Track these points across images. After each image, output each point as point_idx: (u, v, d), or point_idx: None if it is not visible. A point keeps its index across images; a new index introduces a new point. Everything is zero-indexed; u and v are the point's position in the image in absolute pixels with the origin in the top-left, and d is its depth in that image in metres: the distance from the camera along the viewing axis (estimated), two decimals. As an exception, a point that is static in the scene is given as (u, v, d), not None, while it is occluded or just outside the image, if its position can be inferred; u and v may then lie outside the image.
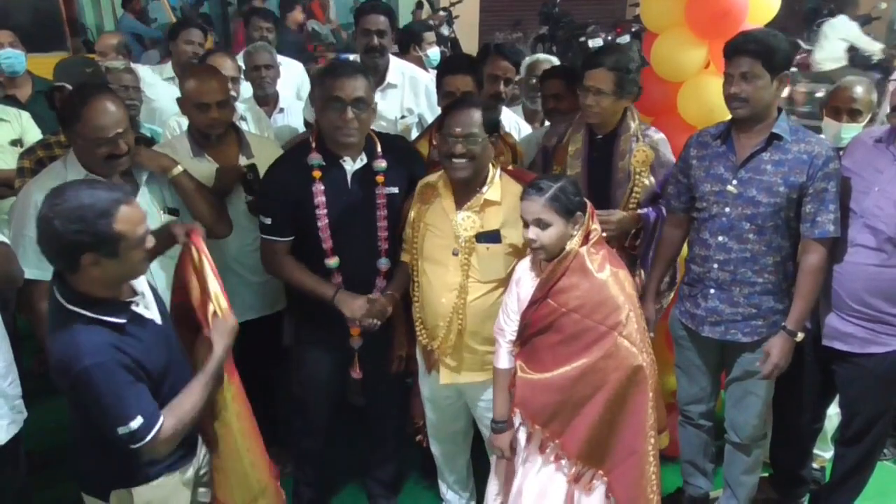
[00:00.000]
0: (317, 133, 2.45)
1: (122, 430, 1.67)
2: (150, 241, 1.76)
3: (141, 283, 1.87)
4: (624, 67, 2.50)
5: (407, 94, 3.26)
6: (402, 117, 3.33)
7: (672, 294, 2.81)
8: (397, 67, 3.46)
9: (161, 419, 1.74)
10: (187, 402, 1.81)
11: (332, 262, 2.43)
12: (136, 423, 1.68)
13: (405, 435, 2.92)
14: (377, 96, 3.28)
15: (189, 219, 2.49)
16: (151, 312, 1.85)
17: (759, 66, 2.24)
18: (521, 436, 2.26)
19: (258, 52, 3.61)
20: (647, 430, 2.10)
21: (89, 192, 1.66)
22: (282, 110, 3.68)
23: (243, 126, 3.11)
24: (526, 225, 2.11)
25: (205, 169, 2.65)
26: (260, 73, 3.56)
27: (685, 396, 2.74)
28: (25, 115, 3.32)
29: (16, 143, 3.26)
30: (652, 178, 2.63)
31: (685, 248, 2.65)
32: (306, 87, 4.07)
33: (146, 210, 2.26)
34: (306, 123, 3.32)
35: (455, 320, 2.33)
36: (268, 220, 2.41)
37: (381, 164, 2.46)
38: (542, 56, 3.96)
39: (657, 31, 3.03)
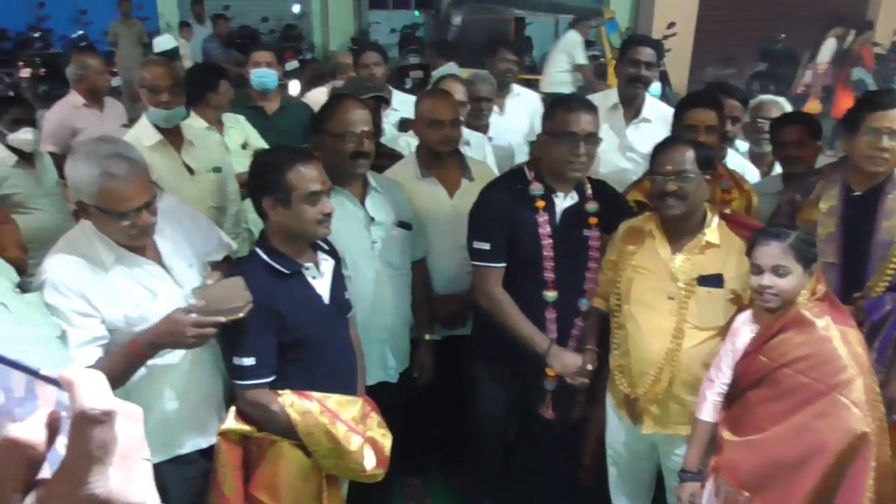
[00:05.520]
0: (536, 164, 2.48)
1: (236, 361, 1.97)
2: (328, 207, 2.00)
3: (326, 266, 2.10)
4: None
5: (659, 131, 3.23)
6: None
7: None
8: (652, 103, 3.44)
9: (269, 380, 1.98)
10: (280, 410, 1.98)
11: (552, 294, 2.42)
12: (249, 361, 1.94)
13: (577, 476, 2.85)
14: (630, 129, 3.32)
15: (417, 237, 2.62)
16: (320, 288, 2.06)
17: None
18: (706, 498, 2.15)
19: (481, 84, 3.70)
20: (865, 502, 1.90)
21: (277, 150, 2.18)
22: (490, 139, 3.76)
23: (466, 151, 3.23)
24: (759, 272, 2.01)
25: (429, 190, 2.78)
26: (480, 105, 3.65)
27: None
28: (242, 119, 3.62)
29: (244, 145, 3.59)
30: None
31: None
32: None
33: (377, 219, 2.45)
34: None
35: (667, 368, 2.23)
36: (485, 246, 2.43)
37: (594, 205, 2.45)
38: (768, 97, 3.77)
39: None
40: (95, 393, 0.42)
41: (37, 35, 11.00)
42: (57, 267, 1.82)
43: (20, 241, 3.02)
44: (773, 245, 1.99)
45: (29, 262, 2.99)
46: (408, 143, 3.29)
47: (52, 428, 0.43)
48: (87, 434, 0.41)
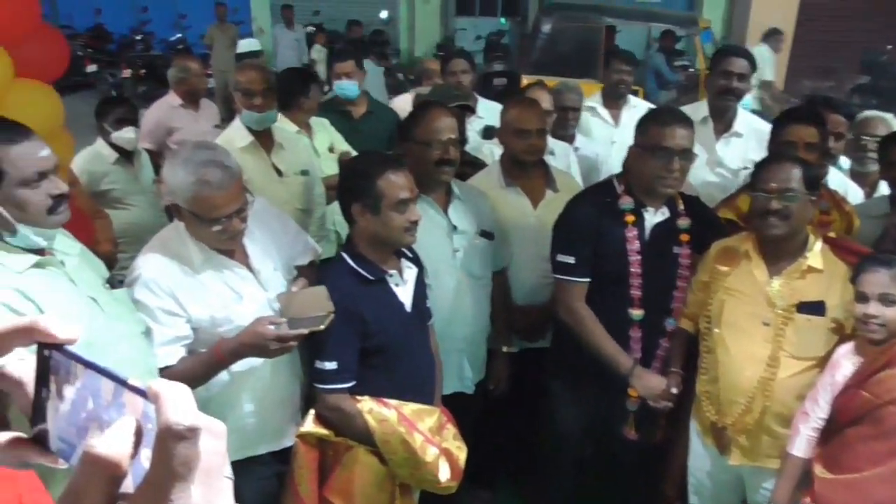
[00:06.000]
0: (626, 177, 2.41)
1: (318, 364, 1.99)
2: (415, 214, 1.99)
3: (409, 274, 2.10)
4: None
5: (752, 146, 3.11)
6: (745, 168, 3.18)
7: None
8: (745, 117, 3.32)
9: (349, 385, 1.98)
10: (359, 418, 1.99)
11: (638, 313, 2.35)
12: (330, 365, 1.94)
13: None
14: (720, 143, 3.21)
15: (499, 247, 2.59)
16: (402, 296, 2.06)
17: None
18: None
19: (568, 93, 3.66)
20: None
21: (367, 157, 2.20)
22: (576, 149, 3.70)
23: (550, 160, 3.18)
24: (864, 300, 1.90)
25: (513, 200, 2.74)
26: (566, 114, 3.61)
27: None
28: (327, 122, 3.69)
29: (331, 149, 3.65)
30: None
31: None
32: None
33: (459, 227, 2.44)
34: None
35: (760, 398, 2.12)
36: (570, 260, 2.38)
37: (686, 221, 2.36)
38: (874, 113, 3.56)
39: None
40: (181, 408, 0.42)
41: (139, 38, 11.56)
42: (150, 265, 1.88)
43: (112, 236, 3.16)
44: (881, 272, 1.89)
45: (121, 255, 3.13)
46: (491, 151, 3.27)
47: (136, 440, 0.43)
48: (171, 450, 0.41)
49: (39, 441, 0.48)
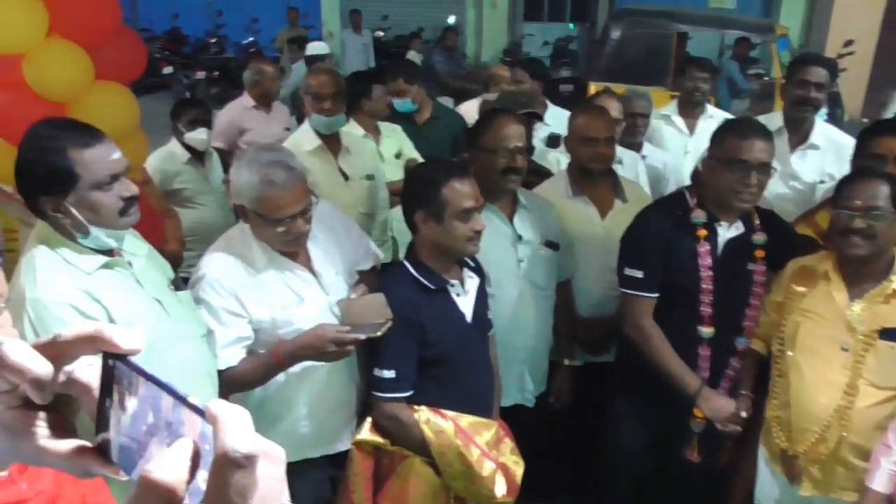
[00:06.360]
0: (698, 190, 2.33)
1: (376, 372, 1.97)
2: (479, 224, 1.96)
3: (471, 284, 2.07)
4: None
5: (829, 159, 2.99)
6: (821, 182, 3.06)
7: None
8: (823, 129, 3.19)
9: (407, 395, 1.96)
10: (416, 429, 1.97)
11: (708, 331, 2.26)
12: (389, 373, 1.92)
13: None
14: (795, 156, 3.09)
15: (564, 258, 2.54)
16: (463, 306, 2.03)
17: None
18: None
19: (637, 99, 3.59)
20: None
21: (432, 164, 2.18)
22: (644, 157, 3.62)
23: (618, 170, 3.11)
24: None
25: (580, 210, 2.69)
26: (635, 120, 3.54)
27: None
28: (398, 129, 3.70)
29: (398, 155, 3.66)
30: None
31: None
32: None
33: (524, 237, 2.41)
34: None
35: (836, 427, 2.00)
36: (638, 274, 2.30)
37: (762, 237, 2.26)
38: None
39: None
40: (239, 433, 0.41)
41: (213, 41, 11.90)
42: (214, 265, 1.90)
43: (180, 235, 3.24)
44: None
45: (188, 254, 3.21)
46: (557, 160, 3.21)
47: (194, 463, 0.42)
48: (228, 478, 0.40)
49: (102, 450, 0.48)
